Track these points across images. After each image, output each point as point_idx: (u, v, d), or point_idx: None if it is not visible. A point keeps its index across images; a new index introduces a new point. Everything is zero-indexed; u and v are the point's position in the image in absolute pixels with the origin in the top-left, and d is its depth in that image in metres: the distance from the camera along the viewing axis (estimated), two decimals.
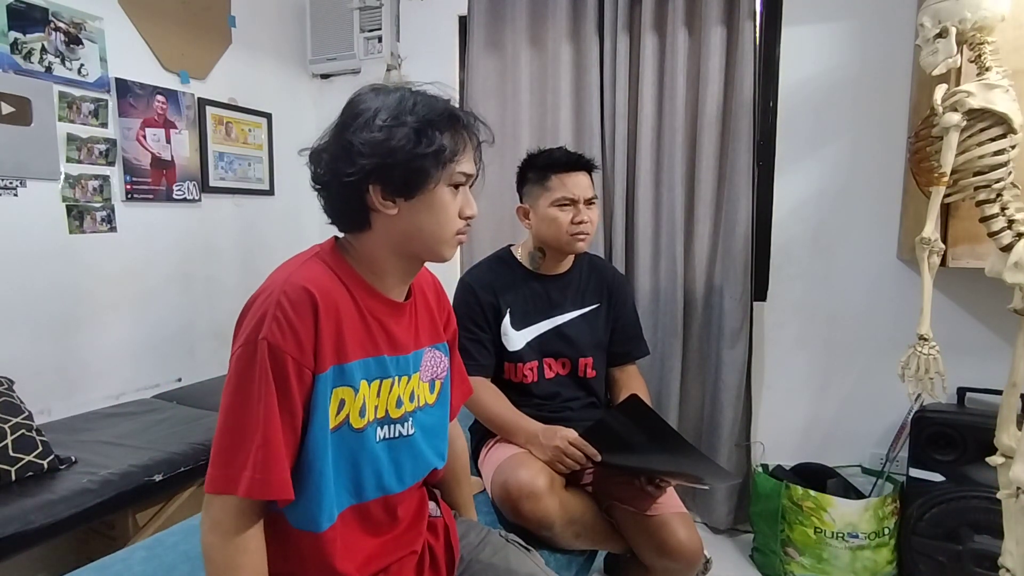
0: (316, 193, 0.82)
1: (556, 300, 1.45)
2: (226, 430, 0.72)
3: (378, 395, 0.82)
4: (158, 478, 1.57)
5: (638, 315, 1.60)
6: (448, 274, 2.10)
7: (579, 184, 1.38)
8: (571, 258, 1.48)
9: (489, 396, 1.37)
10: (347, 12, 2.57)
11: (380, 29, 2.53)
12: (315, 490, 0.76)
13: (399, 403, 0.85)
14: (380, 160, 0.75)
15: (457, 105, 0.82)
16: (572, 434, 1.24)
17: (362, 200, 0.78)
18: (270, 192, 2.64)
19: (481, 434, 1.46)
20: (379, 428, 0.83)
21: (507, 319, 1.41)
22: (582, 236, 1.39)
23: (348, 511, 0.81)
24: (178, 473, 1.62)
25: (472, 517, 1.13)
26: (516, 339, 1.42)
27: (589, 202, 1.40)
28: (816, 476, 1.90)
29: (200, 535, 0.74)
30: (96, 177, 1.98)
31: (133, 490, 1.52)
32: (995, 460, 1.27)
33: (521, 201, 1.46)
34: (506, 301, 1.42)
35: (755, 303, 2.06)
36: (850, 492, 1.84)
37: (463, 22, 2.45)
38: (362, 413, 0.80)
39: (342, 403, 0.78)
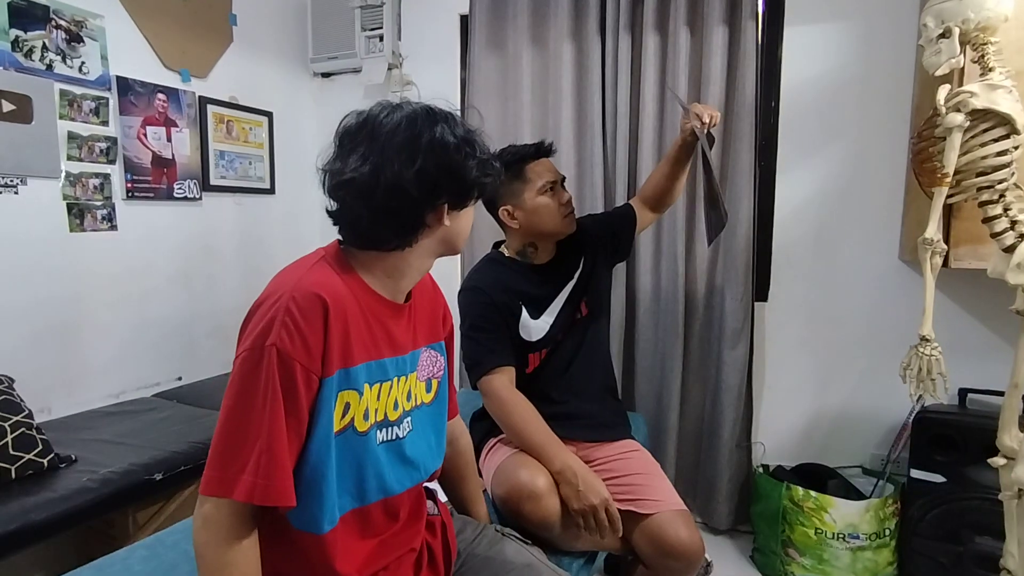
0: (353, 217, 0.81)
1: (558, 278, 1.48)
2: (227, 433, 0.72)
3: (378, 398, 0.82)
4: (158, 477, 1.57)
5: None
6: (448, 276, 2.10)
7: (552, 168, 1.43)
8: (554, 244, 1.49)
9: (526, 413, 1.31)
10: (348, 11, 2.57)
11: (381, 28, 2.53)
12: (317, 492, 0.76)
13: (396, 405, 0.85)
14: (457, 185, 0.83)
15: (457, 107, 0.86)
16: (610, 499, 1.19)
17: (422, 219, 0.82)
18: (271, 191, 2.63)
19: (482, 433, 1.45)
20: (379, 431, 0.83)
21: (524, 313, 1.42)
22: (572, 214, 1.43)
23: (349, 514, 0.81)
24: (178, 472, 1.61)
25: (482, 511, 1.14)
26: (538, 327, 1.43)
27: (563, 183, 1.45)
28: (817, 477, 1.89)
29: (192, 533, 0.73)
30: (97, 175, 1.98)
31: (133, 489, 1.52)
32: (996, 461, 1.27)
33: (493, 210, 1.45)
34: (519, 296, 1.42)
35: (756, 303, 2.06)
36: (851, 493, 1.84)
37: (464, 21, 2.44)
38: (365, 416, 0.80)
39: (347, 406, 0.78)
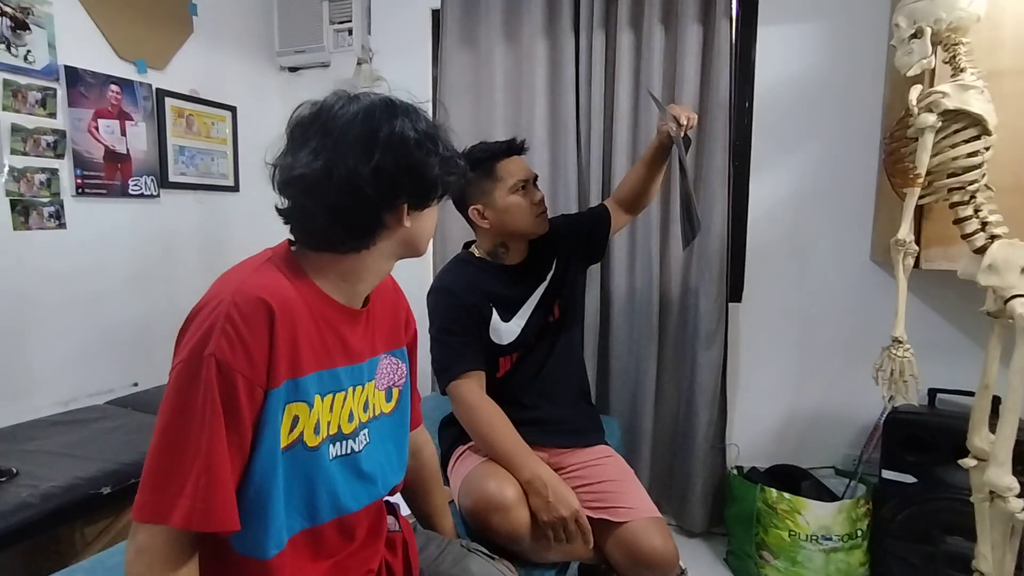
0: (304, 216, 0.76)
1: (530, 280, 1.44)
2: (162, 453, 0.66)
3: (331, 410, 0.77)
4: (105, 491, 1.48)
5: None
6: (418, 277, 2.03)
7: (524, 166, 1.39)
8: (526, 244, 1.45)
9: (495, 420, 1.26)
10: (316, 3, 2.49)
11: (350, 21, 2.45)
12: (262, 514, 0.70)
13: (351, 417, 0.80)
14: (418, 183, 0.77)
15: (424, 101, 0.82)
16: (581, 510, 1.16)
17: (380, 220, 0.76)
18: (235, 188, 2.54)
19: (451, 440, 1.41)
20: (331, 445, 0.78)
21: (495, 315, 1.37)
22: (544, 214, 1.39)
23: (299, 535, 0.76)
24: (128, 485, 1.52)
25: (448, 525, 1.09)
26: (509, 330, 1.38)
27: (535, 181, 1.41)
28: (790, 478, 1.89)
29: (124, 564, 0.67)
30: (43, 170, 1.87)
31: (77, 504, 1.43)
32: (967, 463, 1.26)
33: (463, 209, 1.40)
34: (489, 298, 1.37)
35: (730, 304, 2.05)
36: (824, 494, 1.83)
37: (436, 16, 2.38)
38: (316, 430, 0.75)
39: (296, 420, 0.73)
